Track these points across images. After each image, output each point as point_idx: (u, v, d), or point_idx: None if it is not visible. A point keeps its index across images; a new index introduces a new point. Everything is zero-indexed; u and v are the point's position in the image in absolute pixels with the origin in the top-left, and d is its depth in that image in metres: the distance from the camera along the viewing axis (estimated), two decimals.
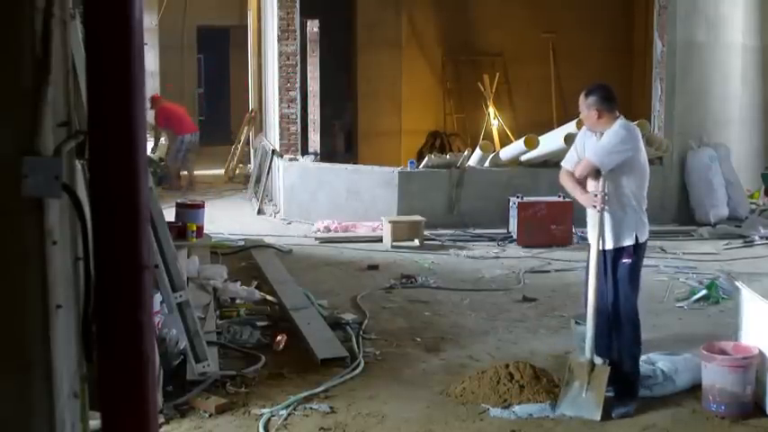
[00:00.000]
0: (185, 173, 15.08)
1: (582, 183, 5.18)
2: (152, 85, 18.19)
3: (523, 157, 11.24)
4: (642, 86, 14.31)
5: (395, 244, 9.80)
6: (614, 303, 5.10)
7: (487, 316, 7.11)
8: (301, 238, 10.32)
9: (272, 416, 4.92)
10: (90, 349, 2.20)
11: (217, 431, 4.77)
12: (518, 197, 10.18)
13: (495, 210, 10.49)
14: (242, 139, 16.52)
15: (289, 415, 4.94)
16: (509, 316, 7.11)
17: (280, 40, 11.73)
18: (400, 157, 14.19)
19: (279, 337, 6.16)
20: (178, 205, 7.55)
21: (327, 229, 10.47)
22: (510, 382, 5.18)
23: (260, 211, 12.08)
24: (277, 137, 12.07)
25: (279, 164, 11.92)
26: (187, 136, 14.64)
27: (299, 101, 11.94)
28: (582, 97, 5.15)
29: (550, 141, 10.90)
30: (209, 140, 20.89)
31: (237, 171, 16.26)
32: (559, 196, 9.94)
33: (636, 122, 10.03)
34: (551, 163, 11.20)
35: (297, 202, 11.42)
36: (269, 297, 7.35)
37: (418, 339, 6.43)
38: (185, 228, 7.02)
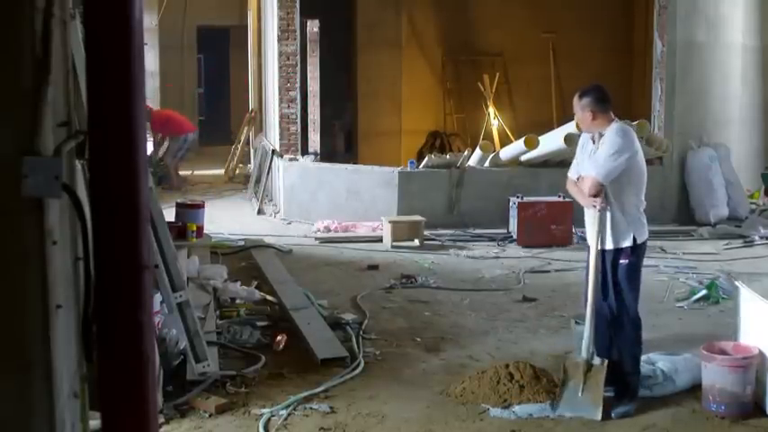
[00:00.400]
0: (186, 172, 15.12)
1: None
2: (152, 85, 18.22)
3: (523, 157, 11.25)
4: (642, 86, 14.31)
5: (395, 244, 9.80)
6: (614, 304, 5.10)
7: (487, 316, 7.11)
8: (301, 238, 10.32)
9: (272, 416, 4.92)
10: (90, 349, 2.20)
11: (217, 431, 4.77)
12: (518, 197, 10.18)
13: (495, 210, 10.49)
14: (242, 139, 16.52)
15: (289, 415, 4.94)
16: (509, 316, 7.11)
17: (280, 40, 11.73)
18: (400, 157, 14.20)
19: (279, 337, 6.16)
20: (178, 205, 7.55)
21: (327, 229, 10.48)
22: (510, 382, 5.18)
23: (260, 211, 12.08)
24: (277, 137, 12.07)
25: (279, 164, 11.92)
26: (190, 135, 14.75)
27: (299, 101, 11.94)
28: (576, 99, 5.15)
29: (550, 141, 10.90)
30: (209, 140, 20.90)
31: (237, 171, 16.26)
32: (559, 196, 9.94)
33: (636, 122, 10.07)
34: (551, 163, 11.22)
35: (297, 202, 11.42)
36: (269, 297, 7.35)
37: (418, 339, 6.43)
38: (185, 228, 7.02)
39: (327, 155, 13.29)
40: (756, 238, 10.29)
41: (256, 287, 7.54)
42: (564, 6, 15.35)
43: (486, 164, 11.41)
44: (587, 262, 5.19)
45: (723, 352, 5.09)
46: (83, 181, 2.41)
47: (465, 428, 4.86)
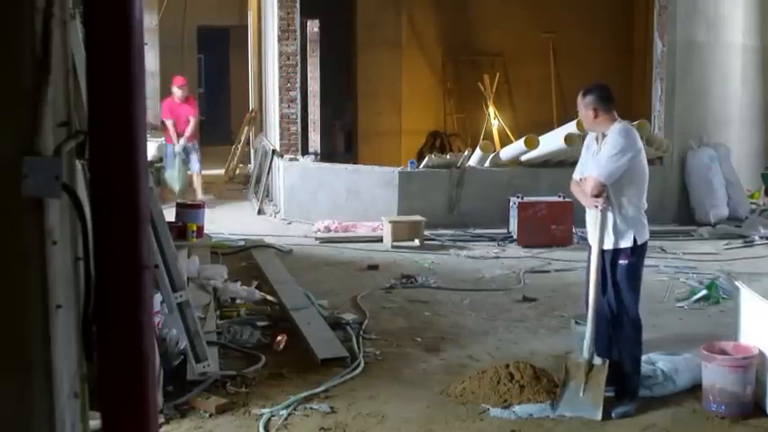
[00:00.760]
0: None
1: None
2: (152, 85, 18.20)
3: (523, 157, 11.25)
4: (642, 86, 14.32)
5: (395, 244, 9.80)
6: (614, 304, 5.10)
7: (487, 316, 7.11)
8: (301, 238, 10.32)
9: (272, 416, 4.92)
10: (90, 349, 2.20)
11: (217, 431, 4.77)
12: (518, 197, 10.18)
13: (495, 210, 10.49)
14: (242, 139, 16.52)
15: (289, 415, 4.94)
16: (509, 316, 7.11)
17: (280, 40, 11.73)
18: (400, 157, 14.20)
19: (279, 337, 6.16)
20: (178, 205, 7.55)
21: (327, 229, 10.47)
22: (510, 382, 5.18)
23: (260, 211, 12.08)
24: (277, 137, 12.08)
25: (279, 164, 11.92)
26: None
27: (299, 101, 11.95)
28: (579, 97, 5.15)
29: (550, 141, 10.90)
30: (210, 140, 20.89)
31: (237, 171, 16.26)
32: (559, 196, 9.94)
33: (636, 122, 10.05)
34: (551, 163, 11.22)
35: (297, 202, 11.42)
36: (269, 297, 7.35)
37: (418, 339, 6.43)
38: (185, 228, 7.01)
39: (327, 155, 13.30)
40: (756, 238, 10.29)
41: (256, 287, 7.54)
42: (564, 6, 15.35)
43: (487, 164, 11.42)
44: (588, 262, 5.18)
45: (723, 352, 5.09)
46: (83, 181, 2.41)
47: (465, 428, 4.86)
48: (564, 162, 10.65)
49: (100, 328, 2.02)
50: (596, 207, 5.06)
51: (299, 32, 11.85)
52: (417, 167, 11.29)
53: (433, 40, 15.80)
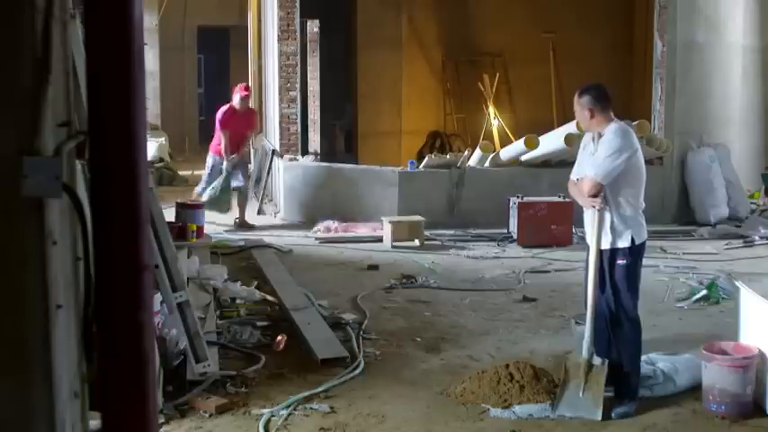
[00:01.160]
0: (186, 173, 15.05)
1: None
2: (152, 85, 18.22)
3: (523, 157, 11.25)
4: (642, 86, 14.31)
5: (395, 244, 9.80)
6: (613, 304, 5.10)
7: (487, 316, 7.11)
8: (301, 238, 10.32)
9: (272, 416, 4.92)
10: (90, 349, 2.20)
11: (217, 431, 4.77)
12: (518, 197, 10.18)
13: (495, 210, 10.49)
14: None
15: (289, 415, 4.94)
16: (509, 316, 7.11)
17: (280, 40, 11.73)
18: (400, 157, 14.20)
19: (279, 338, 6.16)
20: (178, 205, 7.56)
21: (327, 229, 10.47)
22: (510, 383, 5.18)
23: (260, 211, 12.08)
24: (277, 137, 12.08)
25: (279, 164, 11.92)
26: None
27: (299, 101, 11.95)
28: (576, 97, 5.14)
29: (550, 141, 10.91)
30: (210, 140, 20.86)
31: None
32: (559, 196, 9.94)
33: (636, 122, 10.07)
34: (551, 163, 11.23)
35: (297, 202, 11.42)
36: (269, 297, 7.34)
37: (418, 339, 6.43)
38: (185, 228, 7.02)
39: (327, 155, 13.30)
40: (756, 238, 10.29)
41: (256, 287, 7.54)
42: (564, 6, 15.35)
43: (487, 164, 11.42)
44: (586, 262, 5.18)
45: (723, 352, 5.09)
46: (83, 181, 2.41)
47: (465, 428, 4.86)
48: (564, 162, 10.65)
49: (100, 328, 2.02)
50: (594, 207, 5.06)
51: (298, 32, 11.85)
52: (417, 167, 11.29)
53: (433, 40, 15.80)
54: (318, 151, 12.19)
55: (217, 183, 10.78)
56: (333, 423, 4.86)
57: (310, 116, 12.38)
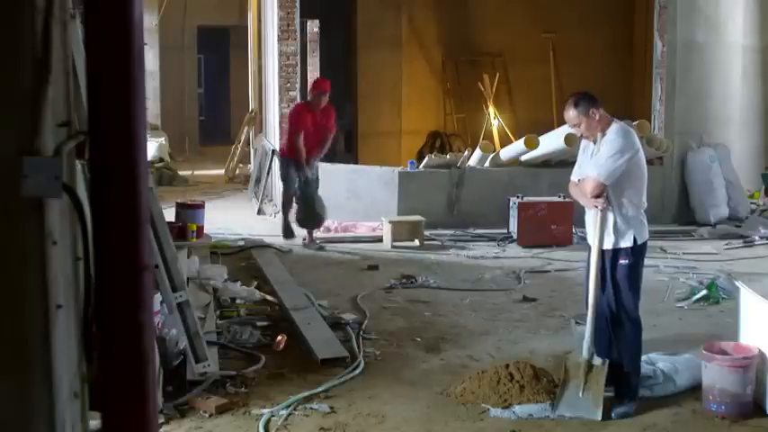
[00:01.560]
0: (186, 172, 14.99)
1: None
2: (152, 85, 18.23)
3: (523, 157, 11.25)
4: (642, 86, 14.31)
5: (395, 244, 9.80)
6: (614, 304, 5.10)
7: (487, 316, 7.11)
8: (301, 238, 10.31)
9: (272, 416, 4.92)
10: (90, 349, 2.20)
11: (217, 431, 4.77)
12: (518, 197, 10.18)
13: (495, 210, 10.49)
14: (242, 139, 16.53)
15: (289, 415, 4.94)
16: (509, 316, 7.11)
17: (280, 40, 11.73)
18: (400, 157, 14.19)
19: (279, 338, 6.16)
20: (178, 205, 7.55)
21: (327, 229, 10.47)
22: (510, 383, 5.18)
23: (260, 211, 12.08)
24: (277, 137, 12.07)
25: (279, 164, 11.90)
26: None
27: (298, 101, 11.93)
28: (572, 111, 5.06)
29: (550, 141, 10.90)
30: (210, 140, 20.91)
31: (237, 171, 16.27)
32: (559, 196, 9.94)
33: (636, 122, 10.07)
34: (551, 163, 11.22)
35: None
36: (269, 297, 7.35)
37: (418, 339, 6.43)
38: (185, 228, 7.01)
39: (327, 155, 13.27)
40: (756, 238, 10.29)
41: (256, 287, 7.54)
42: (564, 6, 15.35)
43: (487, 164, 11.42)
44: (588, 262, 5.18)
45: (723, 352, 5.09)
46: (83, 181, 2.41)
47: (465, 428, 4.86)
48: (564, 162, 10.64)
49: (100, 328, 2.02)
50: (597, 207, 5.06)
51: (298, 32, 11.85)
52: (417, 167, 11.29)
53: (433, 40, 15.80)
54: None
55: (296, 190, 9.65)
56: (333, 423, 4.86)
57: None
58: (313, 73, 12.31)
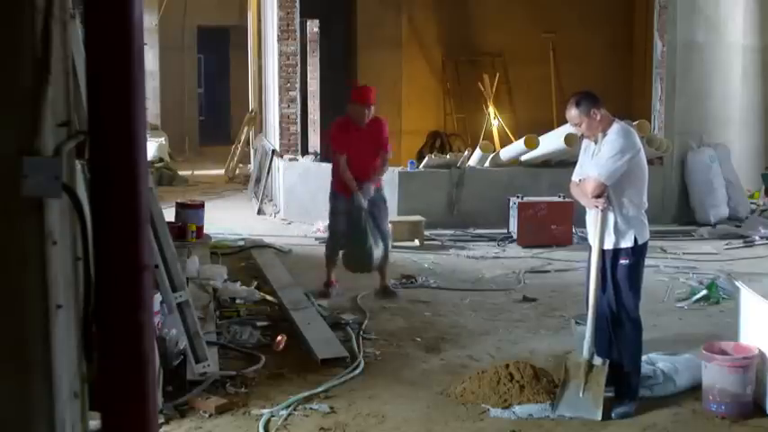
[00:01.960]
0: (186, 173, 14.96)
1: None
2: (152, 85, 18.23)
3: (523, 157, 11.25)
4: (642, 86, 14.31)
5: (395, 244, 9.79)
6: (615, 304, 5.10)
7: (487, 316, 7.11)
8: (301, 238, 10.32)
9: (272, 416, 4.92)
10: (90, 349, 2.20)
11: (217, 431, 4.77)
12: (518, 197, 10.18)
13: (495, 210, 10.49)
14: (242, 139, 16.53)
15: (289, 415, 4.94)
16: (509, 316, 7.11)
17: (280, 40, 11.73)
18: (400, 158, 14.18)
19: (279, 338, 6.16)
20: (178, 205, 7.54)
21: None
22: (510, 383, 5.18)
23: (260, 211, 12.08)
24: (277, 137, 12.07)
25: (279, 164, 11.91)
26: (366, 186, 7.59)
27: (298, 101, 11.94)
28: (573, 111, 5.06)
29: (550, 141, 10.90)
30: (210, 140, 20.91)
31: (237, 171, 16.27)
32: (559, 196, 9.94)
33: (636, 122, 10.07)
34: (551, 163, 11.22)
35: (297, 202, 11.41)
36: (269, 297, 7.34)
37: (418, 339, 6.43)
38: (185, 228, 7.01)
39: (327, 155, 13.27)
40: (756, 238, 10.28)
41: (256, 287, 7.54)
42: (564, 6, 15.34)
43: (487, 164, 11.42)
44: (588, 262, 5.18)
45: (723, 352, 5.09)
46: (83, 181, 2.41)
47: (465, 428, 4.86)
48: (564, 162, 10.64)
49: (100, 328, 2.02)
50: (598, 207, 5.06)
51: (298, 32, 11.84)
52: (417, 167, 11.29)
53: (433, 40, 15.80)
54: (318, 151, 12.18)
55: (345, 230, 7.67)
56: (333, 423, 4.86)
57: (310, 116, 12.37)
58: (313, 73, 12.30)
